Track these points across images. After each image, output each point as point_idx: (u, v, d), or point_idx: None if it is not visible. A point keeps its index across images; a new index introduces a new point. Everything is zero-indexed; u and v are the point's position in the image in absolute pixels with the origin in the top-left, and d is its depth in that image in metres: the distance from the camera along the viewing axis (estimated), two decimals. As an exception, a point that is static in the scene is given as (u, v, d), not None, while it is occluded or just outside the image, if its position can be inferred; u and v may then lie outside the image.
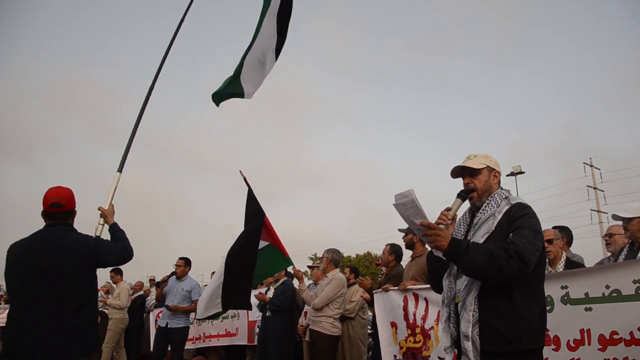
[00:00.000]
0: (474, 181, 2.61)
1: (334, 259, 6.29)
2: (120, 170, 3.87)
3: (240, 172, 5.62)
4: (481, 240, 2.40)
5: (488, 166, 2.63)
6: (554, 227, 4.69)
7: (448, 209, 2.59)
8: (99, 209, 3.53)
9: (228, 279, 5.04)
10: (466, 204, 2.69)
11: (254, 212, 5.42)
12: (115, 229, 3.44)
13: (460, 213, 2.71)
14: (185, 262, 7.15)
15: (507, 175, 30.12)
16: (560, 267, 4.13)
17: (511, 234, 2.33)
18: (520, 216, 2.39)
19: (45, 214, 3.17)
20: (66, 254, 3.02)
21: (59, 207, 3.14)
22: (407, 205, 2.38)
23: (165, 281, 7.09)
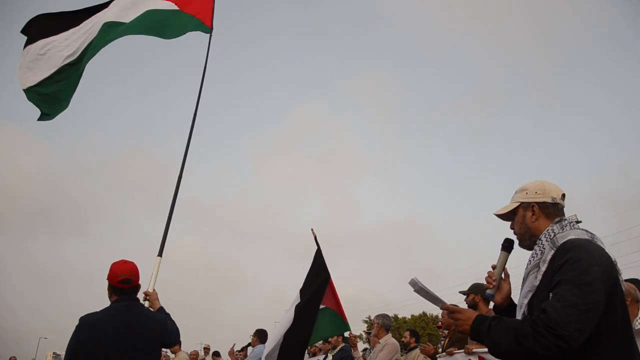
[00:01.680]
0: (515, 226, 2.18)
1: (384, 324, 6.27)
2: (160, 254, 3.96)
3: (312, 230, 5.66)
4: (524, 302, 1.97)
5: (522, 202, 2.16)
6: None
7: (494, 267, 2.24)
8: (144, 293, 3.58)
9: (287, 338, 5.11)
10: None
11: (319, 272, 5.44)
12: (162, 313, 3.45)
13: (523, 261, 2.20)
14: (255, 333, 7.41)
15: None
16: (637, 324, 3.87)
17: (550, 294, 1.81)
18: (562, 264, 1.83)
19: (113, 289, 3.18)
20: (144, 332, 3.08)
21: (129, 283, 3.17)
22: (421, 292, 2.24)
23: (243, 349, 7.39)
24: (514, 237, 2.24)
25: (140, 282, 3.31)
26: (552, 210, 2.12)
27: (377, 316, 6.43)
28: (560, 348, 1.70)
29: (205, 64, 5.21)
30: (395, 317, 44.17)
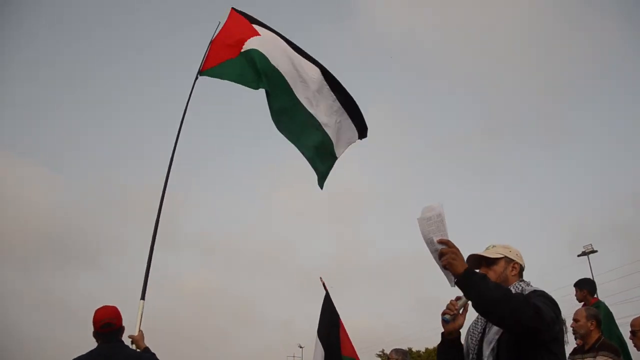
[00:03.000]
0: (489, 272, 2.49)
1: (403, 360, 6.22)
2: (143, 297, 4.04)
3: (320, 278, 5.80)
4: (495, 337, 2.30)
5: (506, 257, 2.52)
6: None
7: (458, 298, 2.45)
8: (129, 337, 3.76)
9: None
10: None
11: (331, 318, 5.56)
12: (148, 353, 3.68)
13: None
14: None
15: (579, 255, 28.59)
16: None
17: None
18: (535, 297, 2.27)
19: (96, 334, 3.42)
20: None
21: (110, 327, 3.40)
22: (431, 220, 2.26)
23: None
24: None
25: (124, 323, 3.55)
26: (522, 272, 2.59)
27: (396, 351, 6.30)
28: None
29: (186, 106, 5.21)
30: (409, 350, 43.28)
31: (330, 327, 5.55)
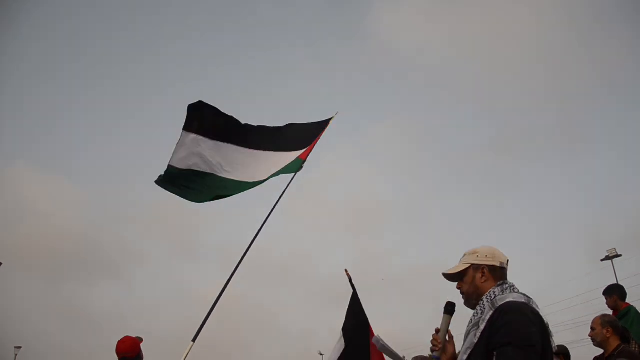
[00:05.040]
0: (463, 285, 2.35)
1: (424, 368, 6.18)
2: (194, 340, 4.18)
3: (346, 271, 5.31)
4: (464, 357, 2.14)
5: (472, 264, 2.32)
6: None
7: (437, 330, 2.37)
8: None
9: None
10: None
11: (357, 318, 5.20)
12: None
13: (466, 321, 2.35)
14: None
15: (602, 260, 28.02)
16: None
17: (495, 353, 1.99)
18: (500, 327, 2.02)
19: None
20: None
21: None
22: (384, 348, 2.61)
23: None
24: (455, 301, 2.41)
25: (141, 346, 4.26)
26: (499, 274, 2.30)
27: (418, 359, 6.36)
28: None
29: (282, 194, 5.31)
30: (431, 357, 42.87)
31: (356, 326, 5.15)
